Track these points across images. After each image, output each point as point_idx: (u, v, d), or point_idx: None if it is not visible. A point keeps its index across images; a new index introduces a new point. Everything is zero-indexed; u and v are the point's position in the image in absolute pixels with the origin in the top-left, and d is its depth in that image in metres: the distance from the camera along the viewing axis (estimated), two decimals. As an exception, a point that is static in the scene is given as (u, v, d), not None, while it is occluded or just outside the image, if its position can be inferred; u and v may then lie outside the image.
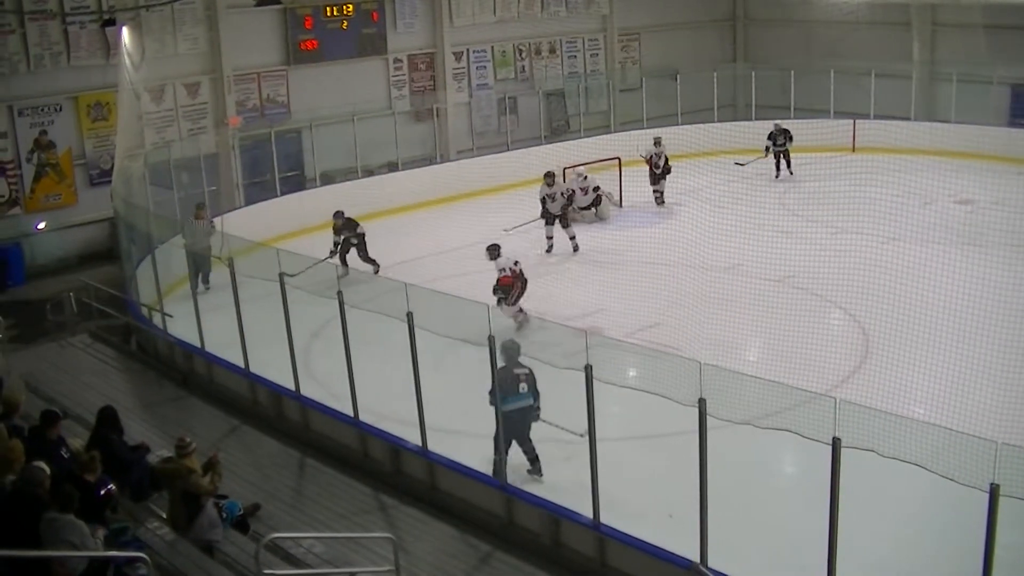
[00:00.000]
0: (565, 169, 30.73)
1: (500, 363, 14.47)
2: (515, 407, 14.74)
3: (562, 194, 27.53)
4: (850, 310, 21.77)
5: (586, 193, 30.04)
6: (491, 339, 13.86)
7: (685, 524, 12.59)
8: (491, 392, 14.52)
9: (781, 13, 42.28)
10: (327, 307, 16.69)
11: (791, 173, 34.29)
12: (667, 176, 31.59)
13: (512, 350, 14.87)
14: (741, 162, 33.09)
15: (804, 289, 22.70)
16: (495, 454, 14.83)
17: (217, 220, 25.76)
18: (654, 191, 31.65)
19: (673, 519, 13.63)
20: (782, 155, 34.27)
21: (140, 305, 22.86)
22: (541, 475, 15.19)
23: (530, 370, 14.84)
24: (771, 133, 34.20)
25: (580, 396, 12.93)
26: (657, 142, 31.84)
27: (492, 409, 14.51)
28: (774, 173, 34.13)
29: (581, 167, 30.90)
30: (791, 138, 34.17)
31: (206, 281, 23.57)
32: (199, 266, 23.20)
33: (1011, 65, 34.62)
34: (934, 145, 32.50)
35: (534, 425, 15.19)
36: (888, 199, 24.68)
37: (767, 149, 34.02)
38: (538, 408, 15.10)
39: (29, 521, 10.95)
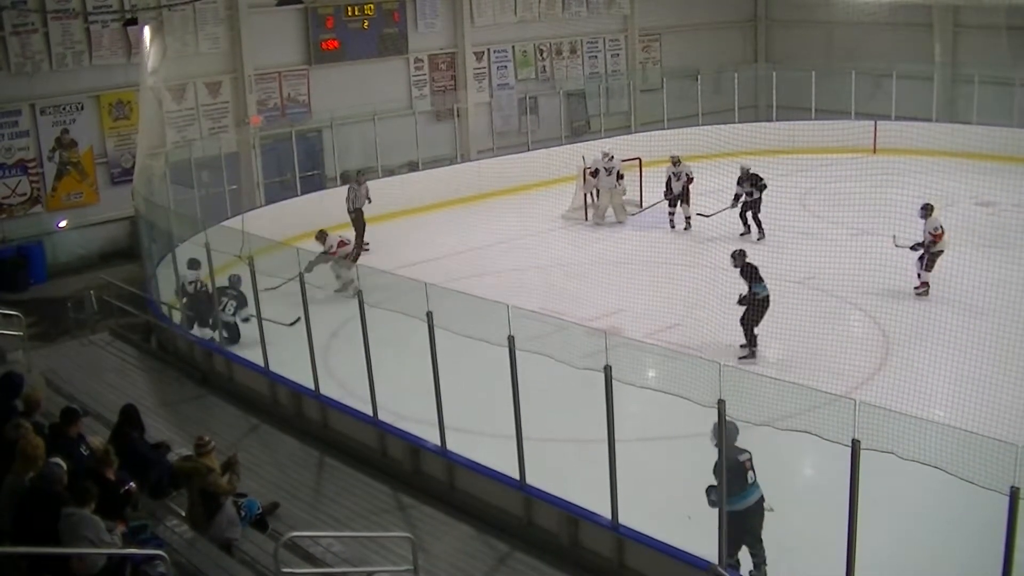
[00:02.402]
0: (585, 170, 30.68)
1: (718, 448, 12.19)
2: (750, 503, 12.46)
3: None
4: (870, 312, 21.74)
5: (610, 174, 30.03)
6: (511, 339, 13.84)
7: (703, 525, 12.58)
8: (711, 490, 12.30)
9: (802, 14, 42.17)
10: (347, 306, 16.73)
11: (761, 235, 27.80)
12: (685, 201, 29.40)
13: (731, 433, 12.19)
14: (705, 213, 28.52)
15: (824, 291, 22.64)
16: (726, 558, 12.40)
17: (237, 219, 25.82)
18: (669, 212, 29.73)
19: (692, 520, 13.60)
20: (750, 207, 28.24)
21: (160, 303, 22.93)
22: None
23: (750, 452, 12.42)
24: (739, 178, 28.54)
25: (599, 397, 12.92)
26: (675, 161, 29.68)
27: (511, 409, 14.39)
28: (740, 228, 28.36)
29: (607, 148, 30.98)
30: (760, 186, 28.05)
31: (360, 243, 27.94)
32: (356, 225, 28.26)
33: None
34: (955, 147, 32.39)
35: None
36: (909, 201, 24.56)
37: (736, 198, 28.50)
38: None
39: (47, 518, 10.99)
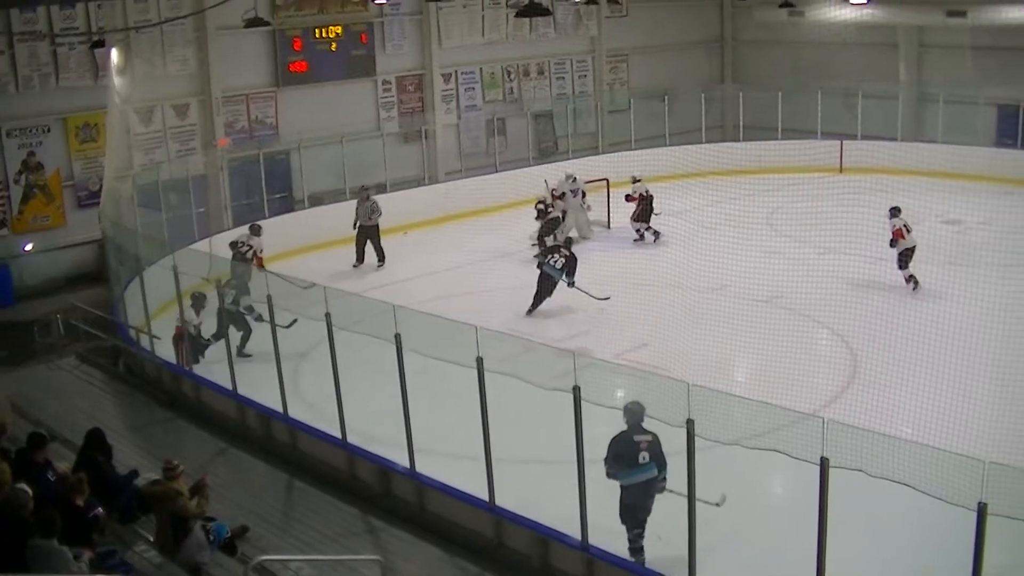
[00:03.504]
0: (552, 192, 30.70)
1: (624, 427, 13.23)
2: (635, 481, 13.22)
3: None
4: (838, 330, 21.81)
5: (575, 195, 30.12)
6: (479, 361, 13.84)
7: (674, 545, 12.59)
8: (605, 461, 13.23)
9: (769, 34, 42.39)
10: (316, 328, 16.68)
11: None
12: (646, 218, 30.26)
13: (636, 414, 13.10)
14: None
15: (792, 309, 22.73)
16: (629, 531, 13.50)
17: (205, 242, 25.77)
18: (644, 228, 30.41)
19: (662, 540, 13.62)
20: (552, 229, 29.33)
21: (128, 327, 22.81)
22: (639, 557, 13.52)
23: (655, 436, 13.10)
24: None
25: (568, 417, 12.93)
26: (634, 180, 30.61)
27: (481, 431, 14.34)
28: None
29: (570, 170, 31.09)
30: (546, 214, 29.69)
31: (381, 258, 29.16)
32: (371, 240, 29.00)
33: (997, 85, 34.78)
34: (921, 165, 32.62)
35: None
36: (875, 219, 24.78)
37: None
38: (663, 479, 13.28)
39: (13, 544, 10.91)
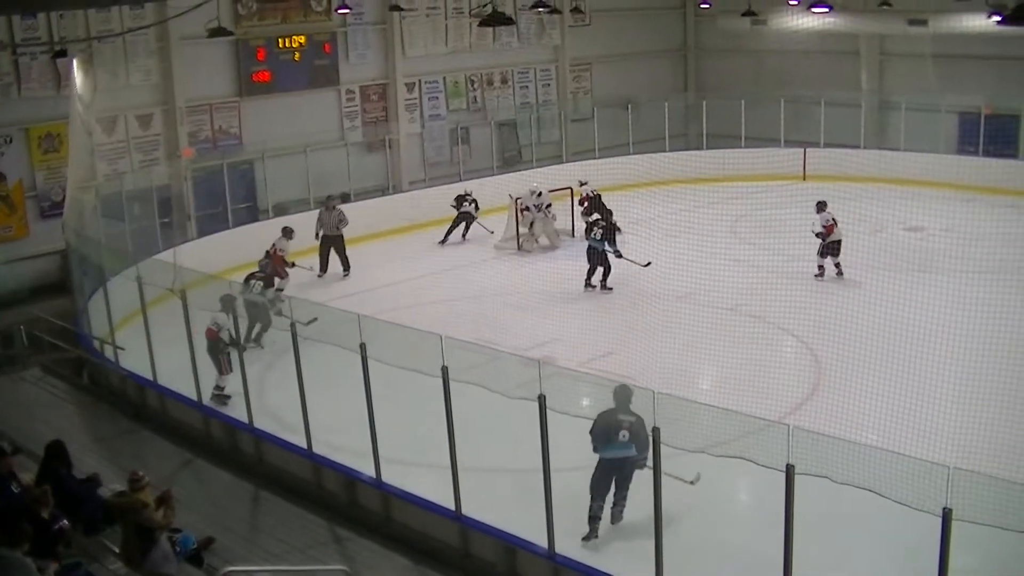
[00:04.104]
0: (517, 202, 30.71)
1: (613, 405, 13.75)
2: (611, 456, 13.91)
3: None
4: (802, 337, 21.88)
5: (540, 209, 30.16)
6: (444, 370, 13.84)
7: (641, 552, 12.61)
8: (590, 432, 13.84)
9: (732, 43, 42.48)
10: (281, 339, 16.65)
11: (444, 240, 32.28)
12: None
13: (623, 396, 13.70)
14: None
15: (756, 317, 22.81)
16: (591, 500, 14.13)
17: (169, 252, 25.65)
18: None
19: (630, 545, 13.65)
20: (462, 223, 32.43)
21: (92, 338, 22.70)
22: (612, 523, 14.39)
23: (638, 418, 13.48)
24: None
25: (533, 426, 12.94)
26: (581, 184, 31.95)
27: (447, 440, 14.36)
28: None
29: (534, 184, 31.13)
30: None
31: (346, 268, 29.10)
32: (336, 249, 28.94)
33: (958, 93, 35.04)
34: (884, 173, 32.81)
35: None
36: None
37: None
38: (644, 459, 13.48)
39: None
